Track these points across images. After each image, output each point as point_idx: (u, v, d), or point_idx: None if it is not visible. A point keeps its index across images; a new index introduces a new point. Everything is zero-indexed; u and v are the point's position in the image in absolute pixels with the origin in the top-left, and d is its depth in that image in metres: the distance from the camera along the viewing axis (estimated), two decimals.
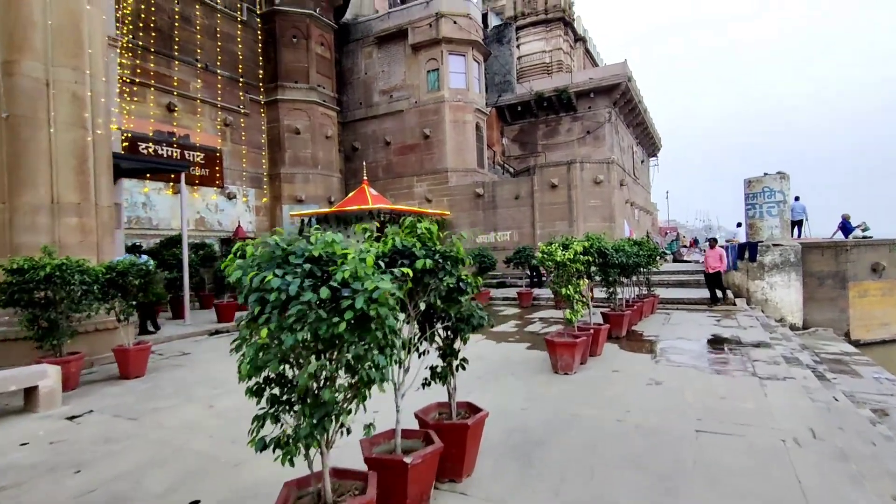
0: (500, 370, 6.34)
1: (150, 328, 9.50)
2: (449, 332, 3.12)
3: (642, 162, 34.30)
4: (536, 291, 14.13)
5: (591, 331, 6.72)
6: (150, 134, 14.53)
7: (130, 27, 13.65)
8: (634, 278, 10.28)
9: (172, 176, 13.55)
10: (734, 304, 11.83)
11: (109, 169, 7.92)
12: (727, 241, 16.99)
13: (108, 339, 7.31)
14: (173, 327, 10.39)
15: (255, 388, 2.11)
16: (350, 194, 18.51)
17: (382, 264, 2.25)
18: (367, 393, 2.18)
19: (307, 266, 2.05)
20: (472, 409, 3.47)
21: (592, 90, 24.68)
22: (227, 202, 17.34)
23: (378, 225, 15.98)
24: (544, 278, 15.21)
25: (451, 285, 2.81)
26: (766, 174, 13.27)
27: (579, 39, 31.79)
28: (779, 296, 12.25)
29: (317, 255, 2.12)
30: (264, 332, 1.87)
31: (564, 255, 6.10)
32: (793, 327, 11.83)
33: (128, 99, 13.77)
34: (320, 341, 1.96)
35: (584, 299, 6.43)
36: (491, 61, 24.67)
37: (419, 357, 3.12)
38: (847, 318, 12.57)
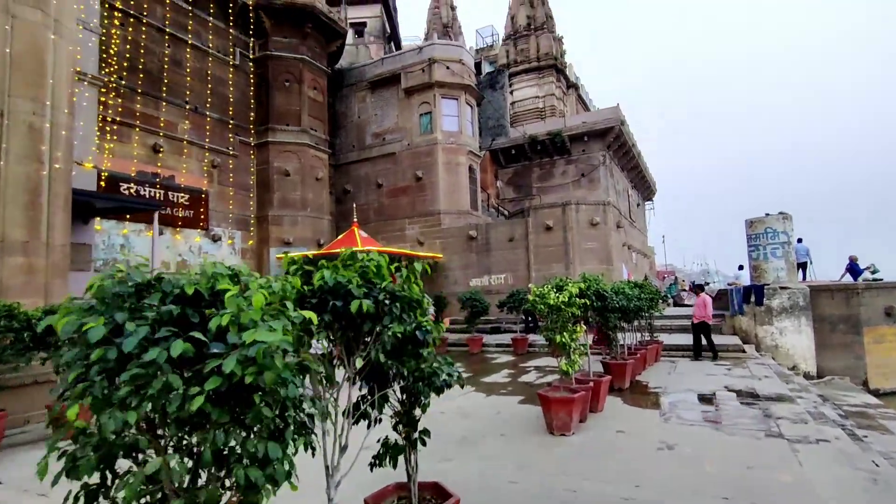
0: (487, 430, 5.54)
1: None
2: (405, 396, 2.41)
3: (638, 205, 34.14)
4: (532, 337, 13.33)
5: (591, 384, 5.96)
6: (133, 174, 14.12)
7: (116, 67, 13.48)
8: (636, 323, 9.56)
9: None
10: (744, 351, 11.03)
11: (67, 205, 7.35)
12: (729, 284, 16.32)
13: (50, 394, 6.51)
14: None
15: (81, 494, 1.40)
16: (339, 236, 18.00)
17: (290, 306, 1.59)
18: (259, 498, 1.46)
19: (169, 308, 1.40)
20: (440, 492, 2.71)
21: (586, 133, 24.72)
22: (211, 244, 16.72)
23: None
24: (540, 323, 14.43)
25: (404, 334, 2.14)
26: (767, 214, 12.80)
27: (571, 86, 32.31)
28: (790, 342, 11.50)
29: (191, 293, 1.47)
30: (73, 410, 1.20)
31: (558, 297, 5.43)
32: (807, 375, 11.01)
33: (110, 138, 13.43)
34: (172, 424, 1.29)
35: (583, 348, 5.71)
36: (485, 106, 24.80)
37: (368, 427, 2.42)
38: (864, 365, 11.77)
